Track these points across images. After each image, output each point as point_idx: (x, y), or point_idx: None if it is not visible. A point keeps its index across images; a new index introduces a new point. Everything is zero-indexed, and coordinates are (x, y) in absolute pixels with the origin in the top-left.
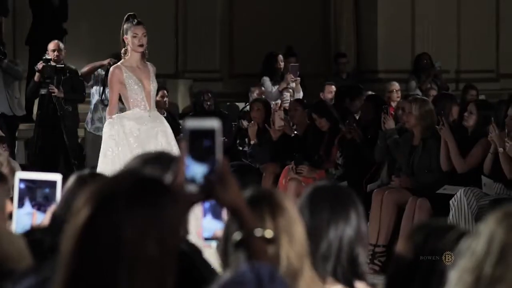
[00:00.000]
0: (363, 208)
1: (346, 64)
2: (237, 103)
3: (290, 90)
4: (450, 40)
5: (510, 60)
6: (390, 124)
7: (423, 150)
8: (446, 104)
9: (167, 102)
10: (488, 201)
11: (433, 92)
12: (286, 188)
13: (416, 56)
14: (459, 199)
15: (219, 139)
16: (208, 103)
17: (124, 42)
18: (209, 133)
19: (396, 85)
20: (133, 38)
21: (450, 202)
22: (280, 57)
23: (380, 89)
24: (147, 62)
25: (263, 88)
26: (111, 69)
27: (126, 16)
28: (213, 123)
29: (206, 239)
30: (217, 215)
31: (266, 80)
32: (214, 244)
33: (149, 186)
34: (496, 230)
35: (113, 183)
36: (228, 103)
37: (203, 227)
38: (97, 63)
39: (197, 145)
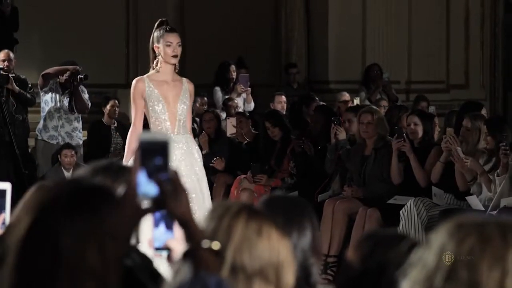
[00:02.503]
0: (317, 219)
1: (296, 74)
2: None
3: (236, 100)
4: (400, 52)
5: (460, 71)
6: (342, 135)
7: (374, 160)
8: (397, 115)
9: (117, 112)
10: (438, 212)
11: (384, 103)
12: (238, 199)
13: (366, 67)
14: (409, 209)
15: (171, 152)
16: None
17: (154, 52)
18: (162, 146)
19: (346, 96)
20: (166, 47)
21: (400, 212)
22: (233, 67)
23: (330, 100)
24: (183, 78)
25: (205, 99)
26: (133, 82)
27: (158, 22)
28: (166, 137)
29: (157, 249)
30: (169, 226)
31: (218, 90)
32: (164, 254)
33: (89, 194)
34: (447, 243)
35: (53, 192)
36: None
37: (154, 237)
38: (62, 68)
39: (150, 158)
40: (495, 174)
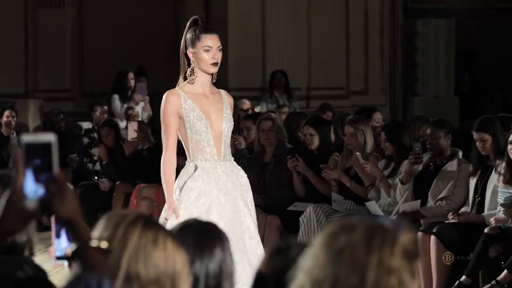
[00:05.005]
0: (228, 242)
1: None
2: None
3: (137, 109)
4: (300, 59)
5: (360, 78)
6: (241, 144)
7: (274, 167)
8: (296, 122)
9: (13, 122)
10: (337, 218)
11: (286, 110)
12: (138, 208)
13: (271, 74)
14: (309, 216)
15: (56, 153)
16: (60, 123)
17: (188, 59)
18: (46, 147)
19: (247, 103)
20: (203, 52)
21: (300, 219)
22: (131, 75)
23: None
24: (220, 90)
25: (105, 107)
26: (165, 96)
27: (191, 20)
28: (50, 137)
29: (58, 258)
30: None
31: (116, 98)
32: (65, 263)
33: None
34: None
35: None
36: (79, 123)
37: (56, 247)
38: None
39: (34, 159)
40: (396, 181)
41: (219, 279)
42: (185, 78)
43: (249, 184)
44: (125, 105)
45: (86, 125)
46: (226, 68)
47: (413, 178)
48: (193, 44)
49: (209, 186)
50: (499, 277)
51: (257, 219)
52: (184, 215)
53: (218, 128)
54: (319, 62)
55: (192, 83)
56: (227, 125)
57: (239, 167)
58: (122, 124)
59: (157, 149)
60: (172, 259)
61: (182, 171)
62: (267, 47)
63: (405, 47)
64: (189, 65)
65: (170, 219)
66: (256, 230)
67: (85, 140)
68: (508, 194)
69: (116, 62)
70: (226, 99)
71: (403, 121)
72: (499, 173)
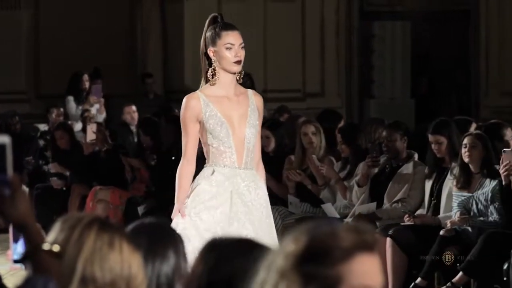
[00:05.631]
0: (183, 244)
1: (153, 84)
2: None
3: (92, 111)
4: (256, 61)
5: (316, 80)
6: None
7: None
8: None
9: None
10: (293, 220)
11: None
12: (93, 210)
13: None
14: None
15: (10, 155)
16: (15, 125)
17: (208, 58)
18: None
19: None
20: (225, 50)
21: None
22: (86, 76)
23: None
24: (248, 90)
25: (61, 109)
26: (184, 100)
27: (210, 18)
28: (3, 139)
29: (15, 261)
30: None
31: (70, 100)
32: (23, 266)
33: None
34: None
35: None
36: (35, 125)
37: (13, 250)
38: None
39: None
40: (352, 183)
41: (172, 282)
42: (207, 80)
43: (267, 198)
44: (80, 107)
45: (42, 127)
46: (182, 70)
47: (369, 180)
48: (214, 42)
49: (223, 190)
50: (454, 279)
51: None
52: (192, 215)
53: (241, 134)
54: (275, 65)
55: (214, 84)
56: (250, 130)
57: (259, 177)
58: (78, 126)
59: (115, 152)
60: (128, 262)
61: (199, 175)
62: None
63: (361, 50)
64: (210, 65)
65: (175, 218)
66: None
67: (41, 142)
68: (463, 198)
69: (72, 63)
70: (253, 100)
71: (359, 123)
72: (454, 176)
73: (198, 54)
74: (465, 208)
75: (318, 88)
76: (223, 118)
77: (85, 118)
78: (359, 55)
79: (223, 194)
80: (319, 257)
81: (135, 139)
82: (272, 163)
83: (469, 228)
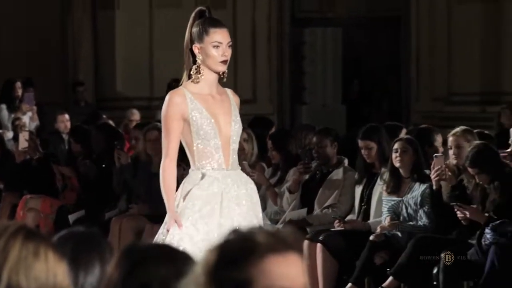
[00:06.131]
0: (111, 254)
1: (84, 92)
2: None
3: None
4: None
5: (248, 86)
6: (124, 159)
7: None
8: None
9: None
10: None
11: None
12: (24, 219)
13: (169, 83)
14: None
15: None
16: None
17: (193, 55)
18: None
19: (135, 113)
20: (212, 48)
21: None
22: (18, 84)
23: (120, 117)
24: (226, 90)
25: None
26: (167, 96)
27: (197, 11)
28: None
29: None
30: None
31: (3, 108)
32: None
33: None
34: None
35: None
36: None
37: None
38: None
39: None
40: (283, 189)
41: None
42: (189, 76)
43: (257, 196)
44: (13, 115)
45: None
46: (114, 78)
47: (300, 186)
48: (200, 39)
49: (216, 193)
50: (385, 284)
51: (144, 229)
52: (188, 225)
53: (227, 133)
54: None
55: (197, 82)
56: (235, 127)
57: (247, 176)
58: (9, 134)
59: (46, 160)
60: (53, 271)
61: (186, 180)
62: (154, 56)
63: (292, 56)
64: (194, 62)
65: (171, 229)
66: None
67: None
68: (392, 202)
69: (3, 71)
70: (232, 99)
71: (290, 130)
72: (384, 181)
73: (128, 62)
74: (394, 213)
75: (249, 95)
76: (210, 117)
77: (16, 126)
78: (290, 62)
79: (215, 197)
80: (230, 262)
81: (67, 147)
82: None
83: (399, 233)
